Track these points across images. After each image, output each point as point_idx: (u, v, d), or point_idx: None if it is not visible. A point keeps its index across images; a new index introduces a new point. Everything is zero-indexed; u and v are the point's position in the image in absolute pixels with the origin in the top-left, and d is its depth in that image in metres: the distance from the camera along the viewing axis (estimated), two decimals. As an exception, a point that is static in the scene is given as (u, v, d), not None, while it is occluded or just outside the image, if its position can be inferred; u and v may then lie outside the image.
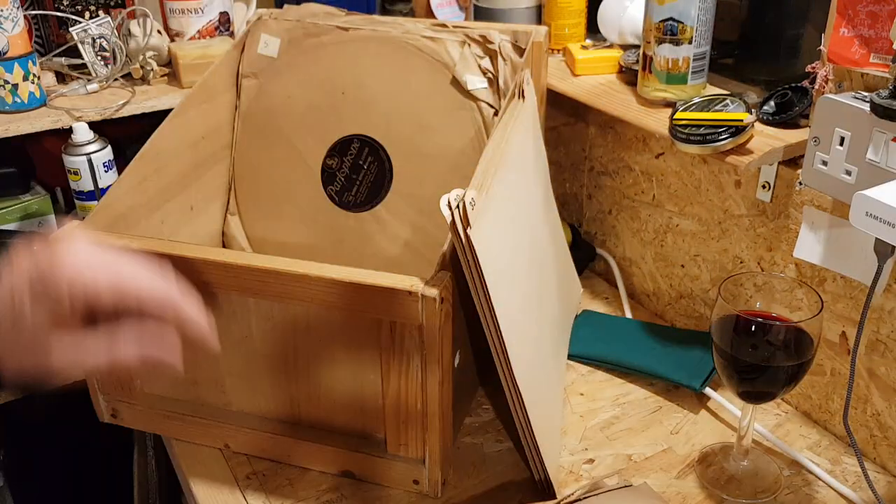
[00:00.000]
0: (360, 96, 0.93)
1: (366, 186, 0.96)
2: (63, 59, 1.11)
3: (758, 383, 0.71)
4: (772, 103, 0.80)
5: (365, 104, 0.93)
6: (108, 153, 1.04)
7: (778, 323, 0.71)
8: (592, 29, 1.01)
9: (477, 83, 0.89)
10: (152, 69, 1.09)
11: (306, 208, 0.98)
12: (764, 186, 0.82)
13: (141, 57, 1.10)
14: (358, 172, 0.95)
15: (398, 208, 0.95)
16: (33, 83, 1.01)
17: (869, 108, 0.63)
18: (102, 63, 1.10)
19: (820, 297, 0.70)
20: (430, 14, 1.15)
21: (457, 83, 0.89)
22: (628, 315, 1.02)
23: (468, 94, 0.89)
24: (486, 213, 0.62)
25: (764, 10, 0.87)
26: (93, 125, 1.02)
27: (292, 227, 1.00)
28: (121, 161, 1.05)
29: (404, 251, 0.96)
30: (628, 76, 0.94)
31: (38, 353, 0.48)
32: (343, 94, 0.94)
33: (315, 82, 0.95)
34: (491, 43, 0.88)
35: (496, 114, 0.88)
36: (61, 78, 1.12)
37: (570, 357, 0.93)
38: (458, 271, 0.63)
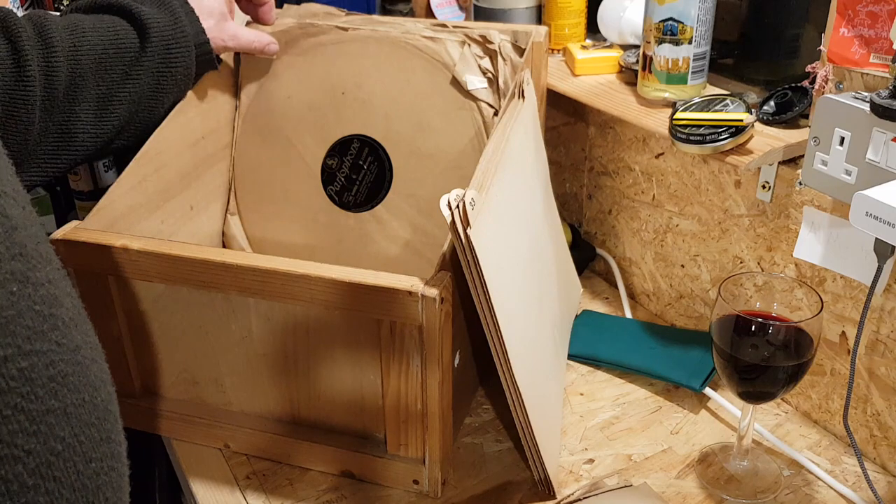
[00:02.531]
0: (360, 96, 0.93)
1: (366, 186, 0.96)
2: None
3: (758, 383, 0.71)
4: (772, 103, 0.80)
5: (364, 104, 0.93)
6: (107, 153, 1.04)
7: (778, 323, 0.71)
8: (592, 29, 1.01)
9: (477, 83, 0.89)
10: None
11: (306, 208, 0.98)
12: (764, 186, 0.82)
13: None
14: (358, 172, 0.96)
15: (398, 208, 0.95)
16: (33, 83, 1.00)
17: (869, 108, 0.63)
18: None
19: (820, 297, 0.70)
20: (430, 14, 1.15)
21: (457, 83, 0.89)
22: (628, 315, 1.02)
23: (468, 94, 0.89)
24: (486, 213, 0.62)
25: (764, 10, 0.87)
26: (93, 125, 1.02)
27: (292, 227, 1.00)
28: (121, 161, 1.05)
29: (404, 251, 0.96)
30: (628, 76, 0.94)
31: (225, 36, 0.87)
32: (343, 94, 0.94)
33: (315, 82, 0.95)
34: (491, 43, 0.88)
35: (496, 114, 0.88)
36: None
37: (570, 357, 0.93)
38: (458, 271, 0.63)
